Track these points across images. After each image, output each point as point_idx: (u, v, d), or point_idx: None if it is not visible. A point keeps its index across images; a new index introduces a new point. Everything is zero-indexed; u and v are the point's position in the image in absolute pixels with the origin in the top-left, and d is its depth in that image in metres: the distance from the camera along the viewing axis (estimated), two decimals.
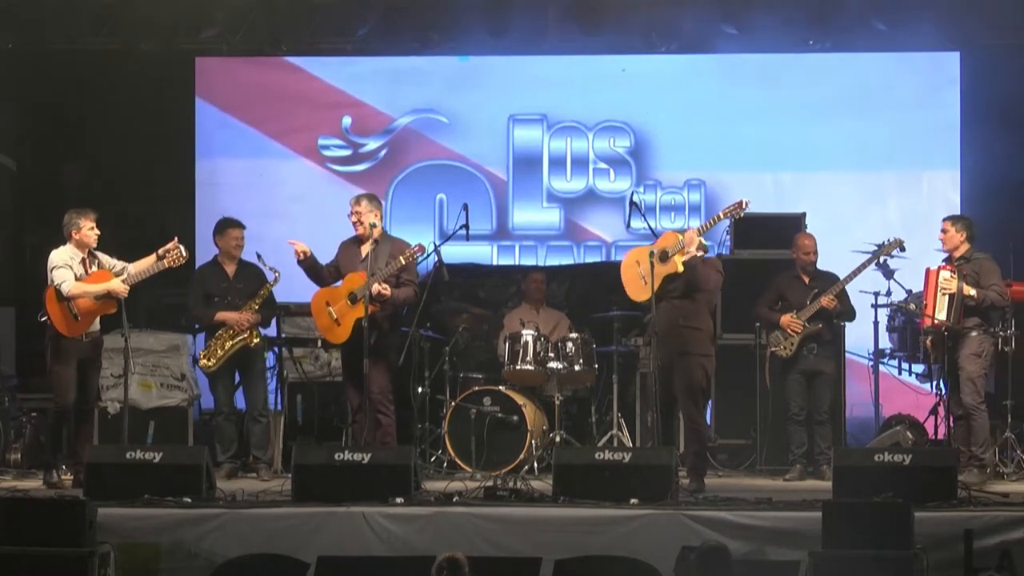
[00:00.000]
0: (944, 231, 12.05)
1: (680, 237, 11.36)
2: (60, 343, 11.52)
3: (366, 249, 11.91)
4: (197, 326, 13.05)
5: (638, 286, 11.51)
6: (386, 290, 11.68)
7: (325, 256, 12.01)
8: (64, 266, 11.50)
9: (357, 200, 12.06)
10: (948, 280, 11.81)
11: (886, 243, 12.57)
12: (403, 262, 11.70)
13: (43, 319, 11.58)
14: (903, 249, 12.63)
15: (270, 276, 12.37)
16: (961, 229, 12.00)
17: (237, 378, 12.58)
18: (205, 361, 12.36)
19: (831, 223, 14.31)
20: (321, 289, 11.95)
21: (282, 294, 12.94)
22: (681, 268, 11.27)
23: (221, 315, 12.33)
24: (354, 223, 11.97)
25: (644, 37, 14.76)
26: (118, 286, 11.50)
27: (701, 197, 15.19)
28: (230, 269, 12.54)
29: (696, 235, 11.33)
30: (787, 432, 12.61)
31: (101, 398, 12.90)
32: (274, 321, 13.02)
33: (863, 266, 12.51)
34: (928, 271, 12.07)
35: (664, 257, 11.36)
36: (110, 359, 12.53)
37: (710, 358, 11.51)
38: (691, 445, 11.62)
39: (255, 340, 12.33)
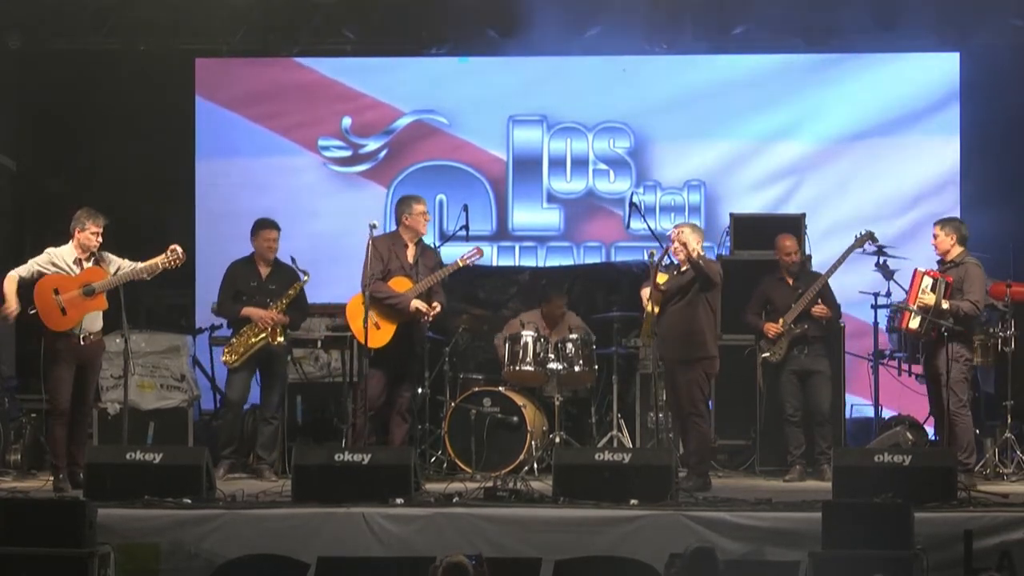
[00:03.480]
0: (935, 236, 11.98)
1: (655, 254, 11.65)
2: (55, 343, 11.47)
3: (413, 252, 11.94)
4: (220, 323, 12.98)
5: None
6: (436, 308, 11.91)
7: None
8: (31, 261, 11.47)
9: (422, 202, 12.11)
10: (927, 293, 11.75)
11: (858, 236, 12.58)
12: (459, 265, 11.93)
13: (32, 312, 11.51)
14: (875, 240, 12.65)
15: (301, 277, 12.36)
16: (950, 232, 11.91)
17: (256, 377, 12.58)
18: (227, 357, 12.30)
19: (831, 223, 14.35)
20: (359, 294, 11.91)
21: None
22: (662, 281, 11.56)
23: (247, 310, 12.29)
24: (422, 224, 12.01)
25: (644, 37, 14.76)
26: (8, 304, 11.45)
27: (701, 198, 15.19)
28: (264, 270, 12.47)
29: (685, 233, 11.58)
30: (784, 434, 12.60)
31: (100, 399, 12.89)
32: None
33: (839, 262, 12.48)
34: (916, 272, 12.02)
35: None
36: (110, 360, 12.51)
37: (712, 360, 11.71)
38: (692, 444, 11.67)
39: (278, 339, 12.27)
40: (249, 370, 12.42)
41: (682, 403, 11.67)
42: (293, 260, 12.44)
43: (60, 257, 11.53)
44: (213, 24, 14.71)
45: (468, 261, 11.96)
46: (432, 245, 12.53)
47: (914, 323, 11.82)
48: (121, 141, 15.04)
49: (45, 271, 11.47)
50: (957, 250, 11.90)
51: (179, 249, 11.53)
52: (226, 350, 12.35)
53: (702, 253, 11.58)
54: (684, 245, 11.52)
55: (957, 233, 11.91)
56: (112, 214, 11.79)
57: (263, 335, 12.24)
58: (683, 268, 11.71)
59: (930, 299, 11.67)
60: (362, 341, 11.88)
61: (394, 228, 12.26)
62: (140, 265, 11.56)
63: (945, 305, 11.65)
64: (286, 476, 11.56)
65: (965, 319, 11.73)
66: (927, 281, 11.79)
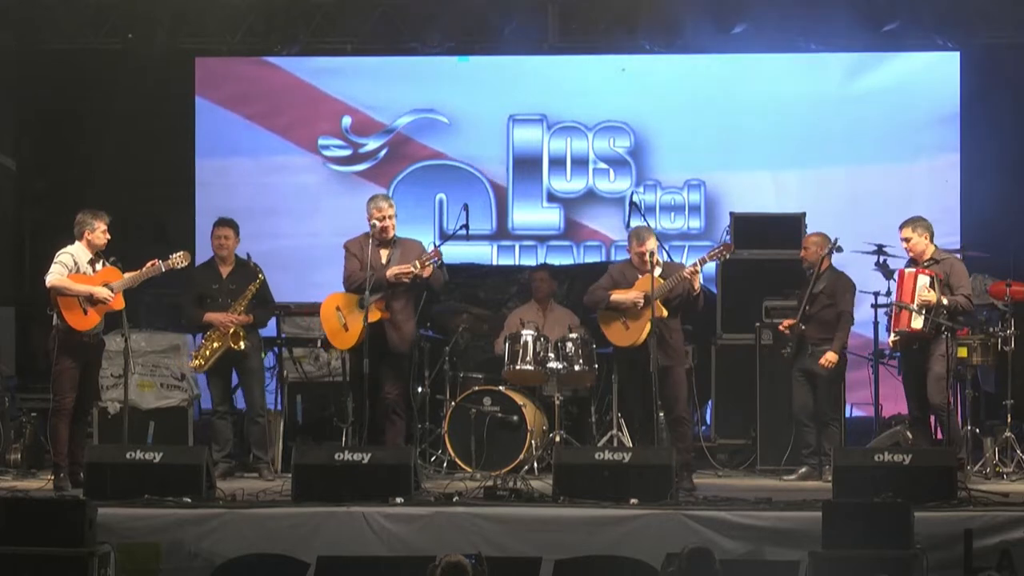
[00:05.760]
0: (907, 239, 11.83)
1: (661, 282, 11.46)
2: (69, 340, 11.46)
3: (387, 252, 11.77)
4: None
5: (619, 332, 11.66)
6: (427, 269, 11.47)
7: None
8: (60, 263, 11.47)
9: (389, 202, 11.79)
10: (928, 290, 11.70)
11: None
12: (417, 267, 11.51)
13: (50, 312, 11.52)
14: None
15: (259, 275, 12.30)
16: (923, 232, 11.80)
17: (235, 378, 12.55)
18: (194, 362, 12.32)
19: (831, 222, 14.29)
20: (334, 293, 11.85)
21: (282, 294, 12.92)
22: (666, 312, 11.43)
23: (209, 316, 12.25)
24: (386, 227, 11.62)
25: (644, 37, 14.76)
26: (100, 291, 11.43)
27: (701, 197, 15.20)
28: (224, 270, 12.42)
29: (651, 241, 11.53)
30: (795, 433, 12.56)
31: (101, 398, 12.89)
32: (274, 321, 12.99)
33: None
34: (902, 273, 11.93)
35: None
36: (110, 359, 12.51)
37: (689, 362, 12.02)
38: (681, 443, 11.66)
39: (241, 344, 12.14)
40: (223, 374, 12.39)
41: (677, 404, 11.66)
42: (248, 256, 12.37)
43: (78, 258, 11.53)
44: (213, 24, 14.72)
45: (427, 263, 11.57)
46: (442, 240, 12.31)
47: (917, 323, 11.73)
48: (121, 141, 15.04)
49: (72, 271, 11.47)
50: (932, 248, 11.86)
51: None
52: (194, 355, 12.35)
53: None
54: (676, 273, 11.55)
55: (928, 231, 11.86)
56: (112, 214, 11.78)
57: (224, 340, 12.20)
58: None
59: (932, 297, 11.62)
60: (333, 343, 11.89)
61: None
62: (146, 268, 11.59)
63: (945, 301, 11.62)
64: (285, 475, 11.55)
65: (963, 314, 11.73)
66: (923, 279, 11.72)
